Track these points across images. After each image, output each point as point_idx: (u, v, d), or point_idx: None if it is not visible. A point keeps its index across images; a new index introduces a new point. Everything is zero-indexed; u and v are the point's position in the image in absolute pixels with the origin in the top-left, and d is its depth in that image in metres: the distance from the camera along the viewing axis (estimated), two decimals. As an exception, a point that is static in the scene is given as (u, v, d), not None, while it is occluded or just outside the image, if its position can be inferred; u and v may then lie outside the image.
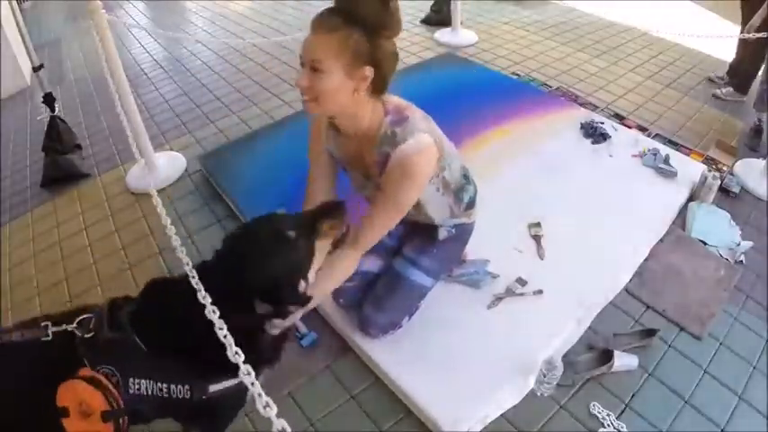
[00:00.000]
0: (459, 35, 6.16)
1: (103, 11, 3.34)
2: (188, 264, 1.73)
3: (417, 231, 2.61)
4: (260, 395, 1.38)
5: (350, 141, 2.19)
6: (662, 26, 5.53)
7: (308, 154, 2.44)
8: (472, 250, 2.90)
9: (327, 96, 1.91)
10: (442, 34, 6.24)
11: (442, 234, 2.59)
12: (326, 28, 1.85)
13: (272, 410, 1.34)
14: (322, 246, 1.85)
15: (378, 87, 2.00)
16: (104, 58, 3.42)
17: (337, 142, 2.27)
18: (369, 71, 1.90)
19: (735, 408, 2.42)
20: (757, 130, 4.13)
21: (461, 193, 2.46)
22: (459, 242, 2.68)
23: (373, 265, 2.68)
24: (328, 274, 2.07)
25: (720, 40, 4.77)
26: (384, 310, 2.54)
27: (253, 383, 1.41)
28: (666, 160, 3.67)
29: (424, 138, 2.05)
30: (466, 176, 2.48)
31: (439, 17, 6.55)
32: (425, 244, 2.62)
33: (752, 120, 4.25)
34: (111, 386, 1.50)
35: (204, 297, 1.56)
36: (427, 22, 6.69)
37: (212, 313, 1.52)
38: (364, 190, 2.41)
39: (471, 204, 2.58)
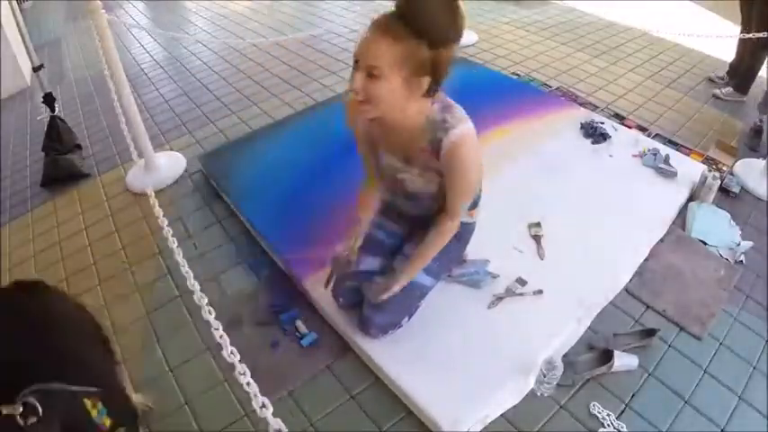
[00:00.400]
0: (460, 35, 6.11)
1: (103, 11, 3.34)
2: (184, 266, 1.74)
3: (419, 231, 2.54)
4: (255, 396, 1.38)
5: (393, 131, 2.18)
6: (662, 26, 5.53)
7: (357, 149, 2.51)
8: (472, 250, 2.89)
9: (381, 102, 1.91)
10: (443, 34, 6.19)
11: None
12: (391, 36, 1.81)
13: (268, 411, 1.34)
14: None
15: (431, 92, 2.01)
16: (104, 58, 3.42)
17: (379, 131, 2.27)
18: (426, 81, 1.91)
19: (735, 408, 2.42)
20: (757, 131, 4.13)
21: None
22: (460, 242, 2.64)
23: (373, 264, 2.66)
24: (425, 251, 2.37)
25: (720, 40, 4.76)
26: (383, 310, 2.51)
27: (249, 383, 1.42)
28: (666, 160, 3.67)
29: (470, 124, 2.12)
30: None
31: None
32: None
33: (752, 120, 4.25)
34: None
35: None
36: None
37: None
38: (400, 173, 2.35)
39: (475, 204, 2.58)
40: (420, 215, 2.52)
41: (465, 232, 2.63)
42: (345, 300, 2.69)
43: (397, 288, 2.42)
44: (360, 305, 2.62)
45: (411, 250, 2.55)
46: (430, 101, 2.08)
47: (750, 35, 4.21)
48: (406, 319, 2.63)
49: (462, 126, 2.05)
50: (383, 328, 2.56)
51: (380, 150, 2.36)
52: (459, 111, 2.11)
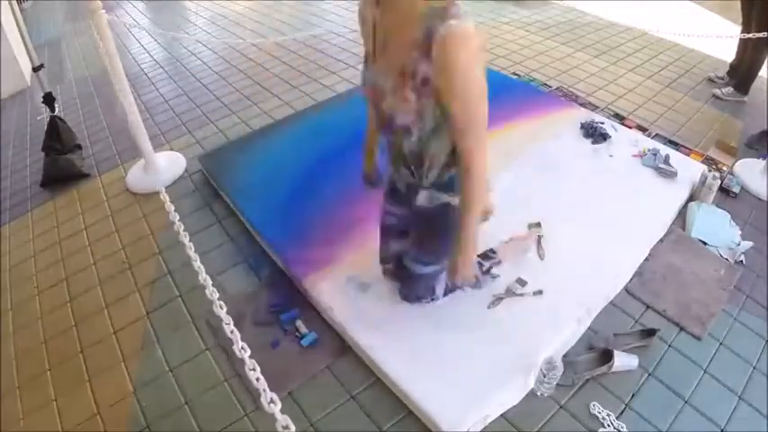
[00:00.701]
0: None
1: (103, 11, 3.34)
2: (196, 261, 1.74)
3: (422, 231, 2.50)
4: (264, 391, 1.38)
5: (394, 15, 1.86)
6: (662, 26, 5.52)
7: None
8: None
9: None
10: (443, 34, 6.19)
11: (421, 198, 2.32)
12: None
13: (277, 406, 1.34)
14: None
15: None
16: (105, 58, 3.42)
17: (381, 15, 1.91)
18: None
19: (735, 408, 2.42)
20: (764, 133, 4.12)
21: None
22: (441, 222, 2.35)
23: (398, 246, 2.66)
24: (464, 221, 2.11)
25: (720, 40, 4.75)
26: (409, 292, 2.73)
27: (258, 379, 1.41)
28: (666, 160, 3.67)
29: (472, 25, 1.73)
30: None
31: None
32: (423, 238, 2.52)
33: (752, 120, 4.25)
34: None
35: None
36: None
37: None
38: (390, 95, 1.97)
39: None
40: (413, 183, 2.31)
41: (450, 213, 2.31)
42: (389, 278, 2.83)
43: (468, 261, 2.25)
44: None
45: (412, 251, 2.56)
46: None
47: (750, 35, 4.21)
48: (433, 297, 2.73)
49: (464, 21, 1.70)
50: (419, 298, 2.73)
51: (373, 66, 2.05)
52: (464, 9, 1.73)
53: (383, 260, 2.78)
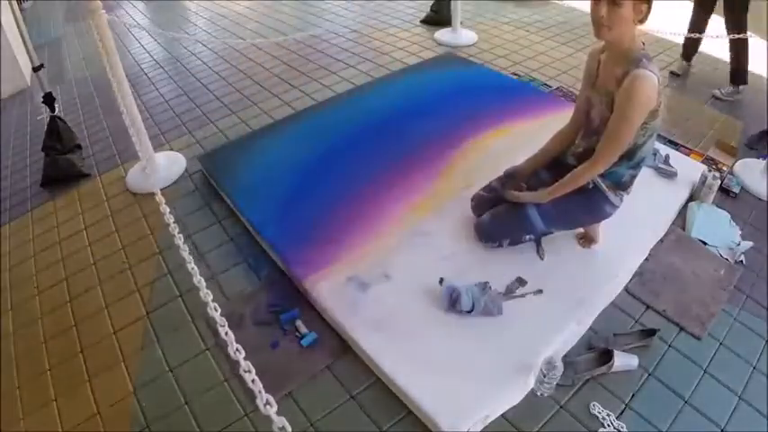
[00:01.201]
0: (459, 35, 6.17)
1: (103, 11, 3.34)
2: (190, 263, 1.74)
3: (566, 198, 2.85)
4: (260, 392, 1.38)
5: (610, 60, 2.60)
6: (662, 26, 5.52)
7: (578, 95, 3.01)
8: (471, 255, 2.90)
9: (618, 25, 2.35)
10: (442, 34, 6.25)
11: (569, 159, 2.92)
12: None
13: (273, 408, 1.34)
14: None
15: (644, 19, 2.39)
16: (105, 58, 3.42)
17: (600, 62, 2.69)
18: (645, 8, 2.35)
19: (735, 408, 2.42)
20: (764, 133, 4.12)
21: (628, 161, 2.70)
22: (587, 210, 2.90)
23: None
24: (565, 182, 2.74)
25: (720, 40, 4.75)
26: (494, 220, 3.04)
27: (253, 381, 1.41)
28: (666, 160, 3.66)
29: (655, 77, 2.40)
30: (643, 161, 2.74)
31: (438, 17, 6.57)
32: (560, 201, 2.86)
33: (752, 120, 4.25)
34: None
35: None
36: (427, 22, 6.70)
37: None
38: (594, 108, 2.73)
39: (619, 183, 2.80)
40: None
41: (598, 205, 2.85)
42: (476, 202, 3.21)
43: (524, 199, 2.91)
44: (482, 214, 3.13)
45: (544, 176, 3.04)
46: (642, 43, 2.50)
47: (732, 36, 4.26)
48: (507, 242, 3.03)
49: (650, 71, 2.38)
50: (488, 235, 3.07)
51: (591, 90, 2.77)
52: (655, 65, 2.44)
53: (486, 189, 3.18)
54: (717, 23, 4.83)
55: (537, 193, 2.88)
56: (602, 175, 2.74)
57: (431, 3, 6.74)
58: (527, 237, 3.01)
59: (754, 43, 4.69)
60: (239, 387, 2.54)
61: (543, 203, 2.86)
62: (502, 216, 3.02)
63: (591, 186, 2.78)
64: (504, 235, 3.02)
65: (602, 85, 2.65)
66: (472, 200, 3.24)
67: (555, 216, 2.90)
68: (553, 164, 3.05)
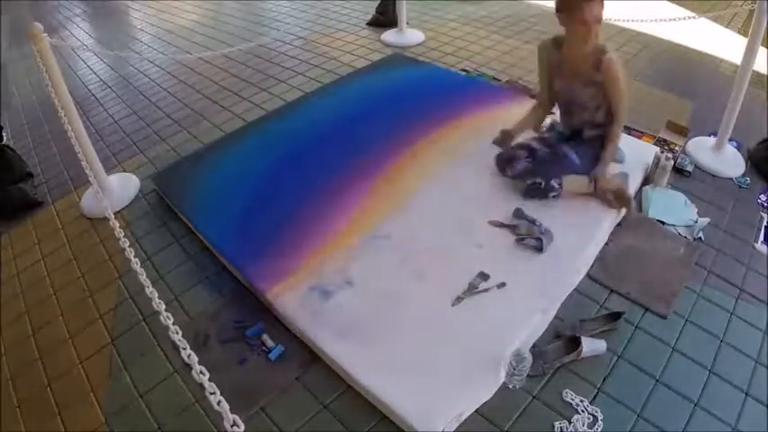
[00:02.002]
0: (406, 35, 6.19)
1: (45, 34, 3.27)
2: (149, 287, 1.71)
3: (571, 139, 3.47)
4: (226, 413, 1.35)
5: (582, 51, 3.11)
6: (608, 13, 5.58)
7: (539, 80, 3.54)
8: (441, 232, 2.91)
9: (600, 28, 2.99)
10: (389, 35, 6.27)
11: (586, 134, 3.37)
12: None
13: (240, 429, 1.32)
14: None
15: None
16: (49, 83, 3.35)
17: (561, 58, 3.24)
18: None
19: (706, 382, 2.47)
20: None
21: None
22: (594, 147, 3.34)
23: (523, 164, 3.41)
24: (610, 141, 3.26)
25: (673, 23, 4.79)
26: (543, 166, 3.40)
27: (219, 402, 1.39)
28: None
29: (617, 55, 3.10)
30: None
31: (384, 18, 6.57)
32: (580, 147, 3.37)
33: (700, 98, 4.30)
34: None
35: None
36: (373, 24, 6.71)
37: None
38: (571, 92, 3.28)
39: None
40: (573, 130, 3.44)
41: (596, 149, 3.33)
42: (512, 172, 3.48)
43: (603, 172, 3.28)
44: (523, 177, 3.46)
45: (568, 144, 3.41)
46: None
47: None
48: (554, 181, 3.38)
49: (613, 54, 3.06)
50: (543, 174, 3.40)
51: (555, 78, 3.33)
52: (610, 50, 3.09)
53: (517, 146, 3.53)
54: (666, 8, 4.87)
55: (602, 163, 3.27)
56: (597, 130, 3.32)
57: (376, 4, 6.74)
58: (560, 173, 3.40)
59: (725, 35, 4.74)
60: (210, 408, 2.50)
61: (579, 152, 3.34)
62: (543, 157, 3.40)
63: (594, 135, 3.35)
64: (553, 168, 3.38)
65: (576, 73, 3.19)
66: (499, 157, 3.58)
67: (582, 148, 3.35)
68: (566, 137, 3.49)
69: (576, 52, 3.14)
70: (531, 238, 3.05)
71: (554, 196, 3.36)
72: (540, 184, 3.35)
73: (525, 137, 3.59)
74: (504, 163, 3.52)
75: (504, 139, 3.61)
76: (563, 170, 3.36)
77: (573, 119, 3.40)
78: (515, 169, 3.44)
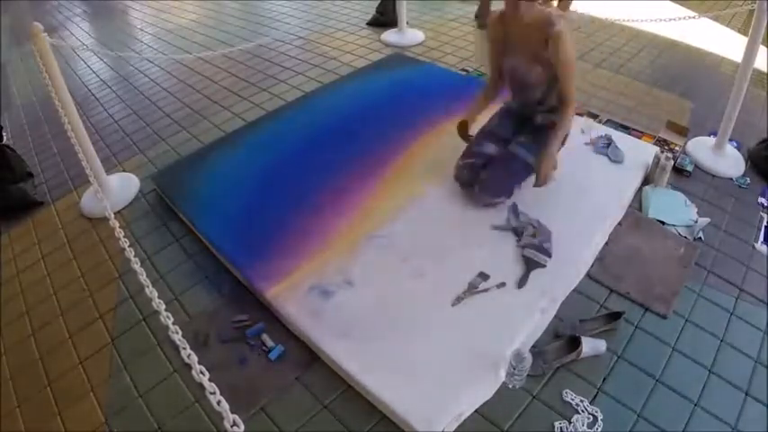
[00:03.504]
0: (406, 35, 6.18)
1: (45, 34, 3.27)
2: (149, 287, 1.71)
3: (525, 127, 3.41)
4: (226, 413, 1.35)
5: (528, 26, 2.94)
6: (609, 12, 5.58)
7: (489, 60, 3.46)
8: (433, 240, 2.90)
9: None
10: (389, 35, 6.26)
11: (539, 119, 3.33)
12: None
13: (240, 428, 1.32)
14: None
15: None
16: (49, 83, 3.35)
17: (512, 32, 3.10)
18: None
19: (706, 381, 2.46)
20: None
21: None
22: (545, 132, 3.24)
23: (490, 149, 3.38)
24: (561, 126, 3.12)
25: (673, 23, 4.79)
26: (495, 176, 3.28)
27: (219, 402, 1.39)
28: (615, 145, 3.72)
29: (566, 25, 2.88)
30: None
31: (384, 18, 6.57)
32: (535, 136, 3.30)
33: (700, 98, 4.29)
34: None
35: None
36: (373, 24, 6.70)
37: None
38: (519, 70, 3.17)
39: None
40: (526, 113, 3.40)
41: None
42: (463, 177, 3.37)
43: (548, 162, 3.13)
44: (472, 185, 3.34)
45: (522, 139, 3.34)
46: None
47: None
48: (515, 189, 3.32)
49: (562, 25, 2.85)
50: (497, 190, 3.30)
51: (504, 58, 3.22)
52: (561, 18, 2.89)
53: (472, 155, 3.39)
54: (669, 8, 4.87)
55: (549, 150, 3.12)
56: (550, 114, 3.27)
57: (376, 4, 6.74)
58: (520, 181, 3.32)
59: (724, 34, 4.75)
60: (210, 408, 2.50)
61: (524, 141, 3.31)
62: (498, 167, 3.30)
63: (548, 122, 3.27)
64: (511, 181, 3.30)
65: (520, 50, 3.08)
66: (461, 171, 3.39)
67: (534, 146, 3.25)
68: (520, 121, 3.44)
69: (515, 24, 3.00)
70: (536, 250, 3.00)
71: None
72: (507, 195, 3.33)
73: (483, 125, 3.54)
74: (467, 185, 3.38)
75: (460, 129, 3.46)
76: (519, 171, 3.30)
77: (523, 102, 3.37)
78: (479, 186, 3.31)
